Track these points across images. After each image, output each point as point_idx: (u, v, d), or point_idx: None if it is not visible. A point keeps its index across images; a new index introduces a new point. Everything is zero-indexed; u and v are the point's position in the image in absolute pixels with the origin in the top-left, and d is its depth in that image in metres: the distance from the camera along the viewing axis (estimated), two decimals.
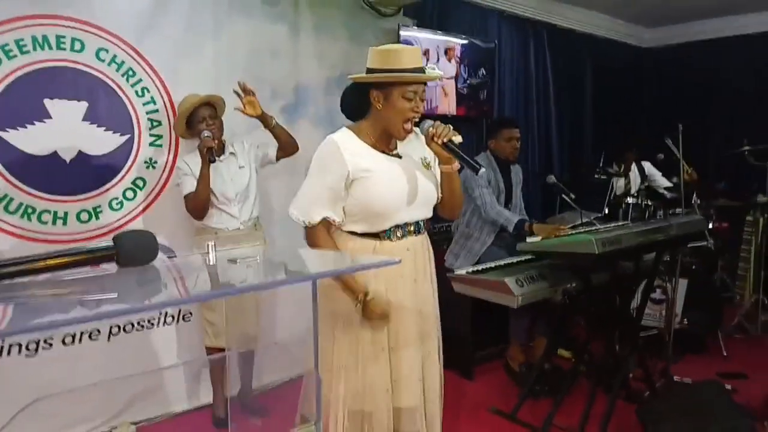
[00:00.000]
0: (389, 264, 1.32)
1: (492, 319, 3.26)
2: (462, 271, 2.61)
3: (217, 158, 2.58)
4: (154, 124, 2.81)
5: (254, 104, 2.65)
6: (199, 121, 2.61)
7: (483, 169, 1.64)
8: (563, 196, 3.38)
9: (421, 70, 1.68)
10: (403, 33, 3.75)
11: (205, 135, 2.55)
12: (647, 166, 4.63)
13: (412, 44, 3.80)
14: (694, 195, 3.98)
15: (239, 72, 3.06)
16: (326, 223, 1.73)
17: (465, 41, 4.15)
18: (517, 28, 4.73)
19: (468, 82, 4.24)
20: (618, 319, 2.83)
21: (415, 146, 1.82)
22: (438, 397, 1.89)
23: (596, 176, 3.89)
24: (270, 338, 3.18)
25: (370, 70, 1.71)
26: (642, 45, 6.01)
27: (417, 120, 1.72)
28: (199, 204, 2.56)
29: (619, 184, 4.29)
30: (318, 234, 1.72)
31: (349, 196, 1.70)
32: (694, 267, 3.76)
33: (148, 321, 2.82)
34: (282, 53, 3.26)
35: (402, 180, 1.71)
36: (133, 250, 0.99)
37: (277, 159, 2.86)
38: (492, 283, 2.46)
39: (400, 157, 1.77)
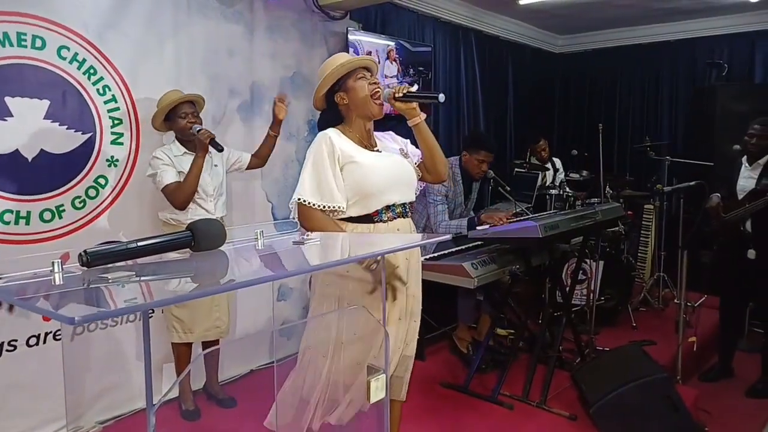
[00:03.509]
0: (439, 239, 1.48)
1: (439, 303, 3.55)
2: (422, 258, 2.86)
3: (223, 147, 2.68)
4: (116, 122, 2.81)
5: (284, 110, 2.97)
6: (181, 117, 2.68)
7: (441, 95, 1.87)
8: (500, 188, 3.73)
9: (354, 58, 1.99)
10: (350, 36, 3.94)
11: (198, 128, 2.64)
12: (557, 160, 5.14)
13: (357, 46, 4.01)
14: (606, 186, 4.50)
15: (199, 70, 3.15)
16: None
17: (403, 44, 4.42)
18: (450, 33, 5.08)
19: (405, 82, 4.51)
20: (553, 296, 3.21)
21: (391, 145, 2.08)
22: (410, 369, 2.12)
23: (523, 170, 4.30)
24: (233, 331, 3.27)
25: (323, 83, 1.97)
26: (555, 51, 6.60)
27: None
28: (187, 193, 2.62)
29: (547, 177, 4.74)
30: (320, 216, 1.86)
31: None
32: (608, 249, 4.27)
33: (112, 320, 2.83)
34: (238, 52, 3.35)
35: (385, 164, 1.95)
36: (207, 237, 1.13)
37: (248, 168, 3.00)
38: (450, 268, 2.74)
39: (380, 152, 2.01)
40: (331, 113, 2.00)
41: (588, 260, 3.63)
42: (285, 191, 3.68)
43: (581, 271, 3.52)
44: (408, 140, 2.14)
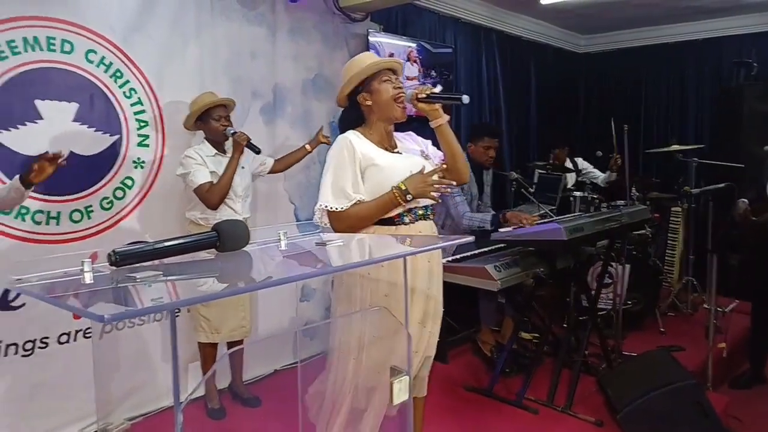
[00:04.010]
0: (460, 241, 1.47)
1: (461, 305, 3.52)
2: (443, 260, 2.84)
3: (260, 149, 2.78)
4: (142, 124, 2.86)
5: (328, 141, 3.14)
6: (215, 119, 2.74)
7: (466, 96, 1.85)
8: (523, 190, 3.69)
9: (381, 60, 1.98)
10: (371, 38, 3.94)
11: (232, 131, 2.71)
12: (580, 161, 5.07)
13: (377, 48, 4.01)
14: (632, 188, 4.42)
15: (222, 73, 3.18)
16: None
17: (424, 46, 4.40)
18: (471, 34, 5.05)
19: (427, 83, 4.50)
20: (578, 300, 3.16)
21: (411, 146, 2.07)
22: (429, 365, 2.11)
23: (546, 172, 4.25)
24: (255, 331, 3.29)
25: (347, 82, 1.97)
26: (578, 51, 6.52)
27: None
28: (221, 193, 2.67)
29: (568, 179, 4.68)
30: (354, 211, 1.85)
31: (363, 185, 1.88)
32: (634, 252, 4.19)
33: (139, 319, 2.87)
34: (261, 55, 3.37)
35: (406, 167, 1.93)
36: (232, 237, 1.14)
37: (269, 172, 3.07)
38: (473, 270, 2.71)
39: (400, 153, 2.01)
40: (353, 112, 2.00)
41: (614, 263, 3.57)
42: (307, 193, 3.70)
43: (607, 275, 3.46)
44: (429, 141, 2.13)
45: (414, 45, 4.31)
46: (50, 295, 0.89)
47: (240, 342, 2.93)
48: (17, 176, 2.11)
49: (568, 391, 2.91)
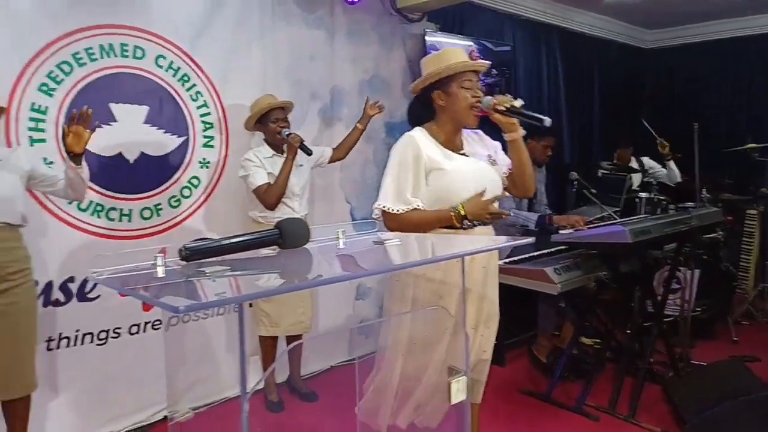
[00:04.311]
0: (520, 243, 1.46)
1: (519, 308, 3.46)
2: (500, 262, 2.80)
3: (311, 151, 2.83)
4: (207, 126, 2.97)
5: (376, 109, 3.21)
6: (272, 121, 2.83)
7: (548, 119, 1.79)
8: (585, 191, 3.58)
9: (468, 62, 1.91)
10: (428, 38, 3.93)
11: (287, 132, 2.78)
12: (646, 160, 4.86)
13: (436, 48, 3.99)
14: (703, 189, 4.20)
15: (283, 75, 3.26)
16: None
17: (484, 44, 4.35)
18: (531, 31, 4.94)
19: (485, 81, 4.44)
20: (643, 305, 3.03)
21: (479, 148, 2.00)
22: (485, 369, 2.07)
23: (610, 172, 4.10)
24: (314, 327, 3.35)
25: (427, 75, 1.91)
26: (644, 46, 6.25)
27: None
28: (278, 194, 2.75)
29: (634, 180, 4.50)
30: (411, 216, 1.83)
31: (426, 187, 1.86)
32: (704, 257, 3.98)
33: (203, 312, 2.99)
34: (320, 57, 3.43)
35: (471, 173, 1.89)
36: (294, 235, 1.17)
37: (330, 161, 3.07)
38: (532, 272, 2.66)
39: (467, 156, 1.95)
40: (425, 106, 1.95)
41: (683, 268, 3.40)
42: (363, 192, 3.74)
43: (675, 280, 3.30)
44: (498, 144, 2.05)
45: (472, 43, 4.26)
46: (127, 287, 0.94)
47: (299, 337, 3.00)
48: (66, 155, 2.18)
49: (632, 399, 2.81)
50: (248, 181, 2.78)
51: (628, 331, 3.18)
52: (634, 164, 4.73)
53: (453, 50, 1.95)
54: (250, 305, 3.02)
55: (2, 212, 2.08)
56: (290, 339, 3.01)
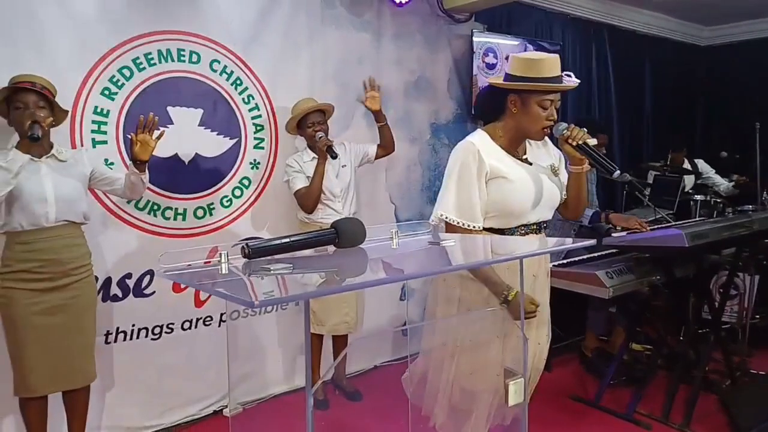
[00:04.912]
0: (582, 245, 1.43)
1: (568, 312, 3.39)
2: (551, 264, 2.75)
3: (337, 154, 2.82)
4: (258, 128, 3.04)
5: (376, 99, 3.01)
6: (309, 126, 2.87)
7: (618, 171, 1.74)
8: (637, 192, 3.48)
9: (559, 79, 1.78)
10: (475, 38, 3.91)
11: (320, 136, 2.80)
12: (701, 163, 4.68)
13: (496, 50, 3.94)
14: (764, 192, 4.02)
15: (331, 78, 3.30)
16: None
17: (533, 44, 4.28)
18: (581, 30, 4.84)
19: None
20: (699, 312, 2.93)
21: (542, 154, 1.94)
22: (538, 377, 2.04)
23: (663, 174, 3.98)
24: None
25: (511, 77, 1.81)
26: (700, 44, 6.03)
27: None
28: (313, 198, 2.81)
29: (686, 182, 4.35)
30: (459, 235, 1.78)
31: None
32: (765, 262, 3.80)
33: (252, 309, 3.05)
34: (366, 60, 3.46)
35: (532, 184, 1.82)
36: (350, 234, 1.18)
37: (376, 158, 3.09)
38: (583, 276, 2.61)
39: (530, 163, 1.88)
40: (497, 104, 1.85)
41: (741, 273, 3.27)
42: (408, 194, 3.75)
43: (733, 286, 3.17)
44: (561, 155, 1.96)
45: (518, 43, 4.20)
46: (199, 283, 0.98)
47: (345, 336, 3.03)
48: (131, 161, 2.29)
49: (686, 408, 2.71)
50: (289, 186, 2.86)
51: (682, 338, 3.07)
52: (687, 166, 4.58)
53: (548, 61, 1.76)
54: (296, 304, 3.07)
55: (66, 211, 2.19)
56: (336, 338, 3.04)
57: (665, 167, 4.30)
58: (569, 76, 1.83)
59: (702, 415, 2.75)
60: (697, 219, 3.21)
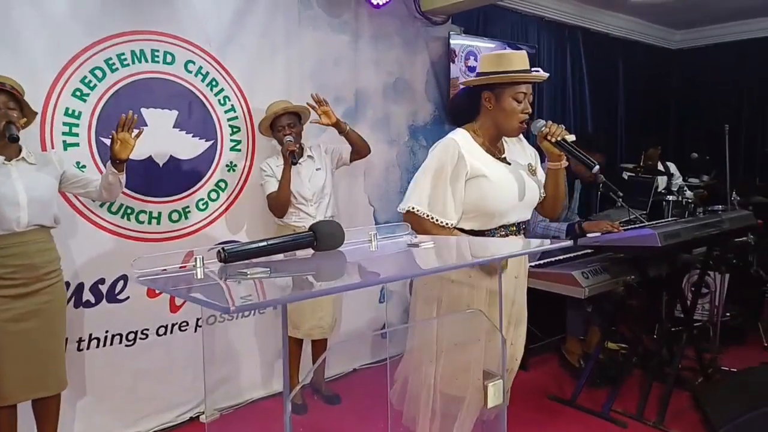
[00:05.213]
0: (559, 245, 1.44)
1: (545, 312, 3.42)
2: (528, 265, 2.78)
3: (298, 161, 2.78)
4: (234, 130, 3.01)
5: (329, 114, 2.87)
6: (278, 129, 2.84)
7: (597, 166, 1.77)
8: (611, 193, 3.53)
9: (529, 71, 1.83)
10: (452, 41, 3.93)
11: (288, 140, 2.78)
12: (672, 166, 4.77)
13: (455, 51, 3.97)
14: (733, 192, 4.12)
15: (308, 80, 3.27)
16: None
17: (509, 46, 4.32)
18: (555, 33, 4.91)
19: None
20: (672, 310, 2.99)
21: (519, 152, 1.97)
22: (512, 377, 2.05)
23: (636, 174, 4.05)
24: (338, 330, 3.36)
25: (481, 75, 1.85)
26: (672, 47, 6.17)
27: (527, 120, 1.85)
28: (280, 202, 2.79)
29: (659, 182, 4.44)
30: (428, 227, 1.80)
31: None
32: (734, 261, 3.89)
33: (229, 315, 3.02)
34: (344, 61, 3.45)
35: (512, 183, 1.84)
36: (328, 237, 1.17)
37: (351, 161, 3.07)
38: (559, 276, 2.64)
39: (509, 163, 1.90)
40: (470, 104, 1.88)
41: (712, 272, 3.34)
42: (386, 195, 3.74)
43: (704, 284, 3.24)
44: (537, 153, 1.99)
45: (494, 45, 4.24)
46: (172, 288, 0.96)
47: (324, 340, 3.01)
48: (110, 161, 2.23)
49: (660, 405, 2.76)
50: (263, 189, 2.84)
51: (656, 337, 3.13)
52: (661, 167, 4.66)
53: (517, 55, 1.83)
54: (274, 308, 3.04)
55: (38, 215, 2.13)
56: (315, 342, 3.02)
57: (639, 168, 4.38)
58: (537, 71, 1.86)
59: (676, 412, 2.80)
60: (670, 219, 3.27)
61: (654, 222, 2.98)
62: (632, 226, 2.85)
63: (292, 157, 2.74)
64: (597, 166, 1.77)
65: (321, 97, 2.88)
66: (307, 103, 2.88)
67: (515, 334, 1.99)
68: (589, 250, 2.93)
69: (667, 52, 6.12)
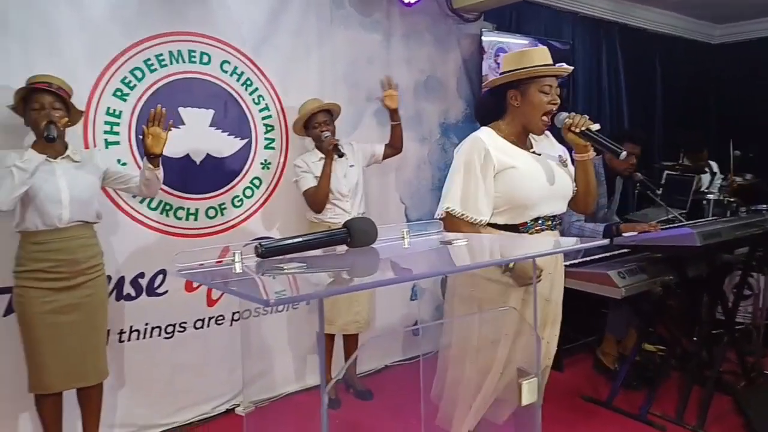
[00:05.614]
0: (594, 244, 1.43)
1: (581, 312, 3.36)
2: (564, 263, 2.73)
3: (343, 153, 2.83)
4: (268, 128, 3.05)
5: (394, 98, 3.00)
6: (314, 126, 2.88)
7: (624, 153, 1.74)
8: (649, 192, 3.45)
9: (553, 65, 1.83)
10: (484, 38, 3.90)
11: (326, 135, 2.81)
12: (714, 164, 4.62)
13: (482, 47, 3.93)
14: None
15: (340, 79, 3.31)
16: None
17: (542, 43, 4.26)
18: (591, 29, 4.82)
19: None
20: (712, 312, 2.90)
21: (548, 147, 1.95)
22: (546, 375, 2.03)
23: (677, 173, 3.94)
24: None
25: (504, 74, 1.86)
26: (712, 42, 5.98)
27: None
28: (320, 197, 2.82)
29: (703, 181, 4.31)
30: (465, 230, 1.78)
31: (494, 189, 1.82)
32: None
33: (264, 309, 3.07)
34: (376, 60, 3.46)
35: (542, 173, 1.83)
36: (362, 234, 1.19)
37: (384, 157, 3.09)
38: (595, 276, 2.59)
39: (538, 154, 1.90)
40: (496, 103, 1.89)
41: (755, 273, 3.23)
42: (418, 193, 3.74)
43: (747, 286, 3.14)
44: (564, 148, 1.98)
45: (527, 42, 4.18)
46: (213, 282, 0.98)
47: (356, 335, 3.03)
48: (145, 157, 2.28)
49: (700, 409, 2.69)
50: (298, 186, 2.87)
51: (695, 339, 3.04)
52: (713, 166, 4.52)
53: (538, 51, 1.85)
54: (307, 303, 3.08)
55: (79, 212, 2.21)
56: (347, 337, 3.05)
57: (678, 166, 4.27)
58: (561, 65, 1.87)
59: (717, 416, 2.72)
60: (710, 218, 3.18)
61: (693, 221, 2.90)
62: (670, 226, 2.78)
63: (337, 151, 2.80)
64: (624, 153, 1.74)
65: (393, 82, 3.03)
66: (381, 81, 3.05)
67: (550, 333, 1.97)
68: (625, 250, 2.87)
69: (707, 47, 5.94)
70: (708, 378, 2.80)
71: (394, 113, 3.06)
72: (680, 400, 2.75)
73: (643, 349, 3.28)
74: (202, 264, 1.13)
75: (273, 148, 3.07)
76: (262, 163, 3.04)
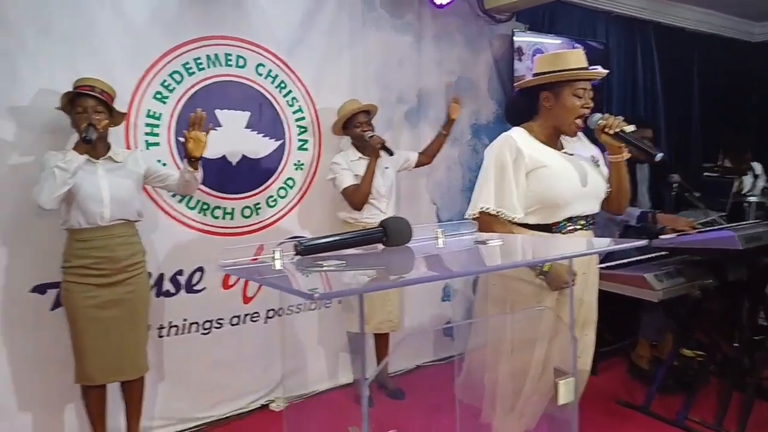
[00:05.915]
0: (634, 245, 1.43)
1: (616, 315, 3.30)
2: (598, 266, 2.70)
3: (392, 151, 2.90)
4: (302, 130, 3.10)
5: (458, 110, 3.25)
6: (357, 126, 2.92)
7: (661, 154, 1.72)
8: (686, 194, 3.37)
9: (586, 69, 1.82)
10: (516, 38, 3.87)
11: (370, 135, 2.87)
12: (757, 165, 4.49)
13: (521, 48, 3.91)
14: None
15: (372, 80, 3.34)
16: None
17: (575, 43, 4.21)
18: (625, 28, 4.74)
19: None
20: (754, 317, 2.82)
21: (580, 148, 1.94)
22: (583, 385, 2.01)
23: (717, 174, 3.85)
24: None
25: (538, 75, 1.86)
26: (752, 40, 5.81)
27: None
28: (362, 195, 2.86)
29: (745, 183, 4.19)
30: (498, 229, 1.78)
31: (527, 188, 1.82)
32: None
33: (297, 306, 3.12)
34: (407, 62, 3.48)
35: (574, 172, 1.82)
36: (397, 233, 1.20)
37: (417, 166, 3.15)
38: (630, 278, 2.55)
39: (570, 154, 1.89)
40: (528, 103, 1.89)
41: None
42: (449, 194, 3.74)
43: None
44: (596, 149, 1.98)
45: (565, 42, 4.14)
46: (259, 277, 1.01)
47: (387, 335, 3.05)
48: (185, 159, 2.35)
49: (740, 416, 2.61)
50: (336, 184, 2.90)
51: (736, 344, 2.96)
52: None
53: (573, 53, 1.85)
54: (339, 302, 3.12)
55: (120, 211, 2.29)
56: (378, 337, 3.07)
57: (717, 168, 4.16)
58: (596, 69, 1.85)
59: (758, 423, 2.64)
60: (751, 221, 3.09)
61: (734, 224, 2.82)
62: (710, 228, 2.72)
63: (386, 149, 2.85)
64: (660, 154, 1.72)
65: (459, 97, 3.33)
66: (454, 98, 3.32)
67: (584, 336, 1.95)
68: (662, 252, 2.81)
69: (747, 45, 5.77)
70: (749, 384, 2.72)
71: (450, 124, 3.24)
72: (719, 406, 2.68)
73: (682, 354, 3.21)
74: (235, 261, 1.15)
75: (306, 149, 3.12)
76: (295, 164, 3.09)
